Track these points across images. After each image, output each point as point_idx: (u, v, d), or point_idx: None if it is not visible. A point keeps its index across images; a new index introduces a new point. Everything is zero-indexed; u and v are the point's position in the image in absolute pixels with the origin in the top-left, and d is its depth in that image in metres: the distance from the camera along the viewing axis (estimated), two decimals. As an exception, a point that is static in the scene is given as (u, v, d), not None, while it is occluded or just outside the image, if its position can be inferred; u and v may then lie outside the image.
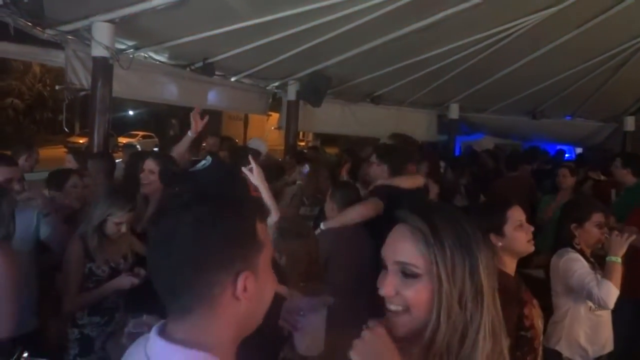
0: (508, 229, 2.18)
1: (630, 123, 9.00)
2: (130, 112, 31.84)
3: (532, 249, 2.22)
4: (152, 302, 1.11)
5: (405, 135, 4.85)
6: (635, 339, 3.50)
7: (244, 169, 2.64)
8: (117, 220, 2.83)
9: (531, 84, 7.81)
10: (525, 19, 5.63)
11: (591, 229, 2.93)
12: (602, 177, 6.35)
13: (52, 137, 27.48)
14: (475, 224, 1.15)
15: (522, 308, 2.10)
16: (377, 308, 1.15)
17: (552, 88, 7.91)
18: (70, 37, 4.54)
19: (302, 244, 2.44)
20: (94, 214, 2.85)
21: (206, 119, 3.84)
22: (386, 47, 5.82)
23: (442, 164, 6.86)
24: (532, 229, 2.23)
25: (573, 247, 2.92)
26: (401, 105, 8.85)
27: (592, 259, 2.94)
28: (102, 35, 4.34)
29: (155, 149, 10.80)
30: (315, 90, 6.88)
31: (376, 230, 3.15)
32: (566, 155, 10.41)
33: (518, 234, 2.18)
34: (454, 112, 9.22)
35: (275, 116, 9.28)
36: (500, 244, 2.18)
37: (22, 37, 4.30)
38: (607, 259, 2.78)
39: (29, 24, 4.12)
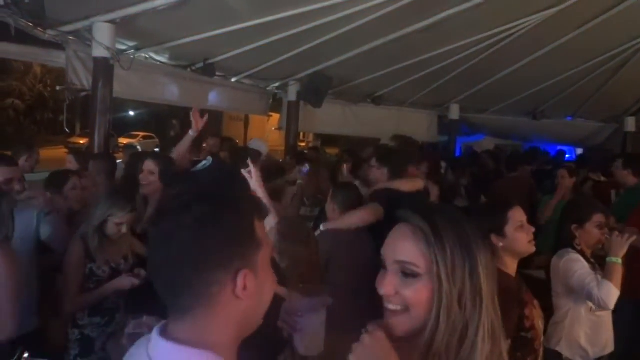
0: (509, 229, 2.19)
1: (630, 124, 9.01)
2: (131, 113, 31.86)
3: (533, 249, 2.22)
4: (153, 303, 1.11)
5: (406, 137, 4.84)
6: (636, 339, 3.50)
7: (243, 172, 2.64)
8: (117, 221, 2.84)
9: (532, 85, 7.81)
10: (525, 19, 5.63)
11: (592, 230, 2.93)
12: (602, 179, 6.35)
13: (53, 137, 27.49)
14: (476, 225, 1.15)
15: (522, 309, 2.10)
16: (377, 309, 1.15)
17: (553, 89, 7.92)
18: (71, 37, 4.54)
19: (304, 247, 2.44)
20: (94, 215, 2.85)
21: (206, 117, 3.85)
22: (387, 47, 5.82)
23: (443, 164, 6.85)
24: (533, 229, 2.23)
25: (574, 248, 2.92)
26: (402, 106, 8.86)
27: (592, 260, 2.94)
28: (103, 36, 4.35)
29: (156, 150, 10.81)
30: (316, 90, 6.89)
31: (377, 232, 3.16)
32: (566, 156, 10.41)
33: (519, 235, 2.18)
34: (454, 112, 9.22)
35: (275, 117, 9.28)
36: (501, 244, 2.18)
37: (23, 38, 4.30)
38: (608, 259, 2.78)
39: (30, 24, 4.13)
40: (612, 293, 2.68)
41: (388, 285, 1.11)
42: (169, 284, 0.95)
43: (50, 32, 4.35)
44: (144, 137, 29.62)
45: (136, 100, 7.29)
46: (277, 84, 7.51)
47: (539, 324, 2.16)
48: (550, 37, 6.14)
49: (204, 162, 1.98)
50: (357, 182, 4.29)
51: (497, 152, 9.23)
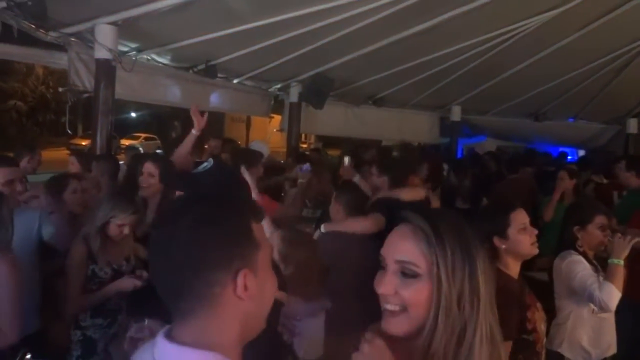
0: (512, 231, 2.18)
1: (633, 125, 8.99)
2: (133, 114, 31.90)
3: (536, 251, 2.21)
4: (154, 305, 1.11)
5: (409, 144, 4.85)
6: (638, 341, 3.49)
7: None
8: (119, 223, 2.84)
9: (534, 86, 7.81)
10: (527, 21, 5.62)
11: (594, 232, 2.92)
12: (605, 180, 6.34)
13: (55, 139, 27.53)
14: (475, 230, 1.16)
15: (524, 311, 2.09)
16: (377, 312, 1.15)
17: (555, 90, 7.91)
18: (73, 39, 4.55)
19: (309, 252, 2.44)
20: (96, 216, 2.85)
21: (206, 115, 3.85)
22: (388, 49, 5.82)
23: (444, 166, 6.85)
24: (535, 231, 2.22)
25: (576, 250, 2.91)
26: (404, 108, 8.86)
27: (594, 262, 2.94)
28: (105, 38, 4.35)
29: (158, 151, 10.82)
30: (318, 92, 6.89)
31: (378, 238, 3.16)
32: (568, 157, 10.39)
33: (522, 237, 2.18)
34: (456, 114, 9.21)
35: (277, 118, 9.28)
36: (503, 246, 2.18)
37: (26, 39, 4.31)
38: (610, 261, 2.78)
39: (32, 26, 4.14)
40: (613, 295, 2.67)
41: (387, 285, 1.11)
42: (170, 288, 0.96)
43: (52, 33, 4.37)
44: (146, 139, 29.65)
45: (138, 101, 7.29)
46: (278, 86, 7.52)
47: (541, 326, 2.15)
48: (552, 39, 6.13)
49: (204, 164, 1.98)
50: (357, 177, 4.28)
51: (499, 153, 9.23)
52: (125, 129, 27.69)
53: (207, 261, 0.94)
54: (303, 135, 14.88)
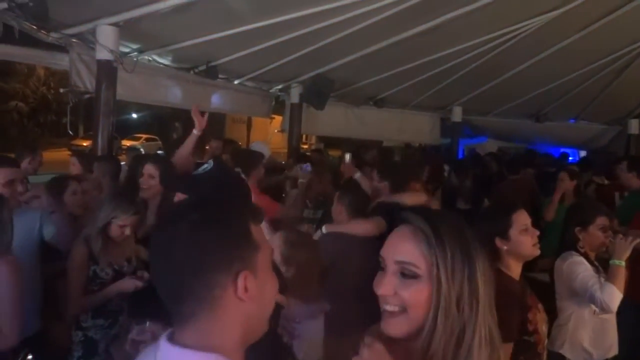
0: (513, 232, 2.18)
1: (634, 126, 8.97)
2: (134, 115, 31.93)
3: (537, 252, 2.21)
4: (155, 305, 1.11)
5: (411, 148, 4.86)
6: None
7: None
8: (121, 223, 2.84)
9: (535, 87, 7.81)
10: (528, 21, 5.62)
11: (595, 233, 2.92)
12: (606, 181, 6.34)
13: (56, 139, 27.54)
14: (476, 232, 1.16)
15: (526, 313, 2.09)
16: (377, 313, 1.15)
17: (556, 91, 7.90)
18: (74, 40, 4.56)
19: (311, 253, 2.44)
20: (98, 217, 2.86)
21: (206, 115, 3.86)
22: (389, 50, 5.83)
23: (446, 167, 6.85)
24: (537, 232, 2.22)
25: (577, 251, 2.91)
26: (404, 108, 8.85)
27: (596, 263, 2.93)
28: (107, 39, 4.36)
29: (160, 152, 10.82)
30: (319, 93, 6.89)
31: (379, 236, 3.16)
32: (570, 158, 10.38)
33: (523, 238, 2.18)
34: (457, 115, 9.21)
35: (278, 119, 9.29)
36: (505, 247, 2.17)
37: (27, 40, 4.32)
38: (611, 262, 2.77)
39: (34, 27, 4.14)
40: (614, 296, 2.67)
41: (387, 285, 1.11)
42: (171, 291, 0.97)
43: (53, 34, 4.37)
44: (147, 140, 29.67)
45: (139, 102, 7.30)
46: (279, 87, 7.53)
47: (543, 327, 2.15)
48: (553, 40, 6.13)
49: (205, 166, 1.98)
50: (358, 174, 4.28)
51: (500, 154, 9.22)
52: (126, 129, 27.72)
53: (207, 264, 0.95)
54: (304, 136, 14.89)
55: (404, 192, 3.66)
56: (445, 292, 1.06)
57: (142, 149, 16.30)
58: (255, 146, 6.23)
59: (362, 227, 3.27)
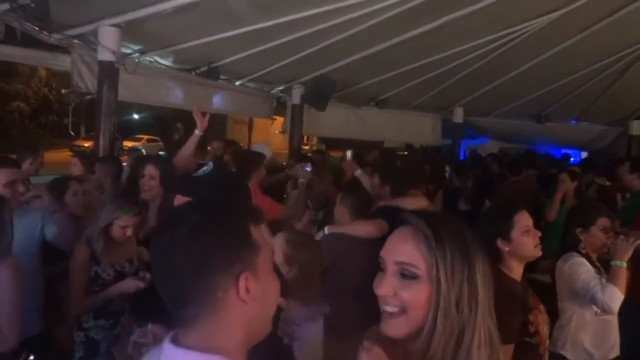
0: (515, 233, 2.18)
1: (636, 127, 8.95)
2: (135, 116, 31.96)
3: (539, 253, 2.21)
4: (157, 306, 1.12)
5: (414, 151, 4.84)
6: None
7: None
8: (122, 224, 2.84)
9: (536, 88, 7.80)
10: (530, 22, 5.62)
11: (597, 234, 2.92)
12: (607, 183, 6.33)
13: (58, 140, 27.58)
14: (478, 231, 1.16)
15: (527, 314, 2.09)
16: (379, 313, 1.15)
17: (557, 92, 7.90)
18: (76, 41, 4.57)
19: (313, 254, 2.44)
20: (100, 217, 2.86)
21: (207, 115, 3.86)
22: (390, 51, 5.83)
23: (447, 168, 6.85)
24: (539, 234, 2.22)
25: (578, 252, 2.91)
26: (406, 109, 8.85)
27: (597, 264, 2.93)
28: (108, 40, 4.37)
29: (161, 153, 10.83)
30: (320, 94, 6.89)
31: (380, 238, 3.16)
32: (571, 159, 10.37)
33: (525, 239, 2.18)
34: (458, 116, 9.21)
35: (279, 120, 9.31)
36: (507, 249, 2.17)
37: (29, 41, 4.33)
38: (612, 263, 2.77)
39: (36, 28, 4.15)
40: (616, 297, 2.66)
41: (387, 286, 1.12)
42: (173, 294, 0.97)
43: (55, 35, 4.38)
44: (148, 140, 29.69)
45: (140, 103, 7.31)
46: (281, 87, 7.53)
47: (544, 329, 2.15)
48: (554, 41, 6.13)
49: (204, 168, 1.99)
50: (359, 171, 4.28)
51: (501, 155, 9.22)
52: (127, 130, 27.74)
53: (208, 267, 0.95)
54: (305, 137, 14.91)
55: (404, 196, 3.67)
56: (444, 293, 1.07)
57: (143, 150, 16.32)
58: (257, 147, 6.24)
59: (365, 229, 3.28)
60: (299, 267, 2.29)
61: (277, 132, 14.46)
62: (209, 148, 6.08)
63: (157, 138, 30.34)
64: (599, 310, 2.81)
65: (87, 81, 4.66)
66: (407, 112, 8.92)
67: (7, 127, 26.94)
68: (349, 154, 4.77)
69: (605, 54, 6.62)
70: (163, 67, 5.66)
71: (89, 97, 4.80)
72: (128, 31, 4.48)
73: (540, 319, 2.13)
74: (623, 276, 2.71)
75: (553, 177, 6.45)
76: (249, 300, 0.96)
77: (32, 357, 2.77)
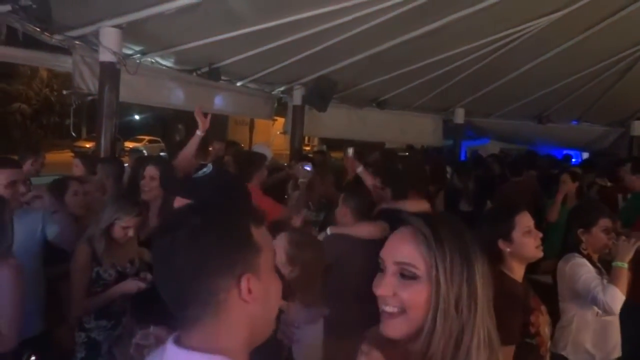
0: (516, 234, 2.17)
1: (637, 127, 8.95)
2: (137, 117, 31.98)
3: (540, 254, 2.21)
4: (159, 307, 1.12)
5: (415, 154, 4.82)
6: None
7: None
8: (124, 225, 2.84)
9: (537, 89, 7.80)
10: (531, 23, 5.62)
11: (598, 234, 2.91)
12: (609, 184, 6.33)
13: (59, 141, 27.59)
14: (479, 232, 1.16)
15: (528, 315, 2.09)
16: (379, 314, 1.15)
17: (559, 92, 7.90)
18: (77, 42, 4.58)
19: (316, 253, 2.44)
20: (101, 218, 2.86)
21: (209, 116, 3.87)
22: (391, 51, 5.83)
23: (448, 169, 6.85)
24: (540, 234, 2.22)
25: (580, 252, 2.90)
26: (407, 110, 8.85)
27: (598, 264, 2.93)
28: (110, 41, 4.38)
29: (162, 154, 10.84)
30: (321, 95, 6.90)
31: (382, 239, 3.16)
32: (573, 160, 10.36)
33: (526, 240, 2.17)
34: (459, 116, 9.22)
35: (280, 121, 9.31)
36: (508, 249, 2.16)
37: (31, 43, 4.34)
38: (614, 264, 2.77)
39: (37, 29, 4.16)
40: (617, 298, 2.66)
41: (386, 286, 1.12)
42: (175, 297, 0.97)
43: (57, 37, 4.39)
44: (150, 141, 29.71)
45: (142, 104, 7.32)
46: (282, 88, 7.54)
47: (545, 330, 2.14)
48: (555, 41, 6.13)
49: (203, 170, 1.99)
50: (360, 168, 4.27)
51: (502, 156, 9.21)
52: (128, 131, 27.74)
53: (209, 268, 0.95)
54: (306, 138, 14.91)
55: (406, 199, 3.67)
56: (444, 293, 1.07)
57: (144, 151, 16.34)
58: (258, 148, 6.24)
59: (367, 230, 3.28)
60: (301, 267, 2.29)
61: (278, 133, 14.47)
62: (210, 149, 6.09)
63: (159, 139, 30.36)
64: (600, 311, 2.81)
65: (88, 82, 4.67)
66: (408, 113, 8.93)
67: (8, 128, 26.96)
68: (350, 151, 4.73)
69: (607, 55, 6.62)
70: (164, 68, 5.67)
71: (90, 98, 4.80)
72: (129, 32, 4.49)
73: (542, 320, 2.13)
74: (624, 277, 2.71)
75: (554, 177, 6.45)
76: (251, 301, 0.96)
77: (33, 358, 2.78)
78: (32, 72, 28.27)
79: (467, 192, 5.83)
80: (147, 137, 30.41)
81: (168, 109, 15.53)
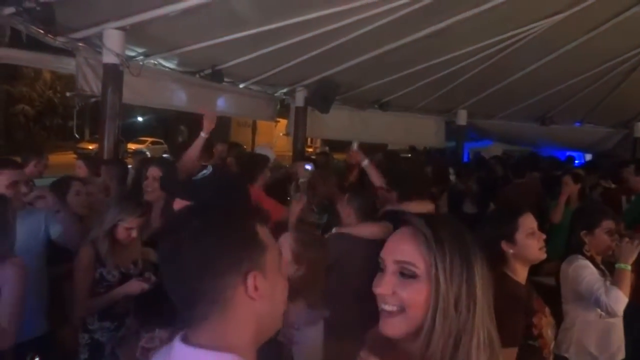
0: (520, 236, 2.17)
1: (640, 129, 8.95)
2: (139, 119, 32.04)
3: (544, 256, 2.20)
4: (162, 308, 1.12)
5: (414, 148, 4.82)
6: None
7: None
8: (127, 226, 2.85)
9: (540, 90, 7.79)
10: (534, 24, 5.62)
11: (601, 236, 2.91)
12: (612, 185, 6.31)
13: (62, 143, 27.66)
14: (482, 234, 1.16)
15: (530, 317, 2.08)
16: (378, 315, 1.16)
17: (562, 94, 7.89)
18: (81, 44, 4.58)
19: (320, 252, 2.44)
20: (105, 219, 2.87)
21: (215, 117, 3.88)
22: (394, 53, 5.83)
23: (451, 170, 6.84)
24: (544, 236, 2.21)
25: (583, 254, 2.90)
26: (409, 112, 8.85)
27: (602, 266, 2.92)
28: (113, 43, 4.39)
29: (165, 155, 10.85)
30: (323, 96, 6.91)
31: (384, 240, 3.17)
32: (576, 161, 10.34)
33: (530, 242, 2.17)
34: (462, 118, 9.21)
35: (283, 122, 9.32)
36: (511, 251, 2.16)
37: (34, 44, 4.35)
38: (617, 266, 2.76)
39: (41, 31, 4.17)
40: (620, 299, 2.66)
41: (386, 285, 1.12)
42: (183, 298, 0.99)
43: (60, 38, 4.40)
44: (153, 143, 29.77)
45: (145, 106, 7.34)
46: (284, 90, 7.54)
47: (548, 332, 2.14)
48: (559, 42, 6.12)
49: (203, 172, 2.00)
50: (366, 161, 4.26)
51: (505, 157, 9.20)
52: (131, 133, 27.79)
53: (216, 267, 0.96)
54: (309, 140, 14.92)
55: (411, 201, 3.68)
56: (443, 293, 1.07)
57: (147, 152, 16.37)
58: (260, 149, 6.24)
59: (370, 230, 3.29)
60: (307, 266, 2.29)
61: (280, 134, 14.50)
62: (214, 150, 6.09)
63: (161, 141, 30.42)
64: (603, 313, 2.80)
65: (91, 84, 4.68)
66: (411, 115, 8.93)
67: (11, 130, 27.07)
68: (354, 145, 4.71)
69: (611, 56, 6.61)
70: (167, 69, 5.68)
71: (93, 99, 4.81)
72: (132, 34, 4.50)
73: (545, 322, 2.12)
74: (627, 279, 2.70)
75: (557, 179, 6.44)
76: (257, 298, 0.97)
77: (37, 359, 2.77)
78: (35, 73, 28.36)
79: (471, 194, 5.82)
80: (149, 139, 30.48)
81: (171, 110, 15.55)
